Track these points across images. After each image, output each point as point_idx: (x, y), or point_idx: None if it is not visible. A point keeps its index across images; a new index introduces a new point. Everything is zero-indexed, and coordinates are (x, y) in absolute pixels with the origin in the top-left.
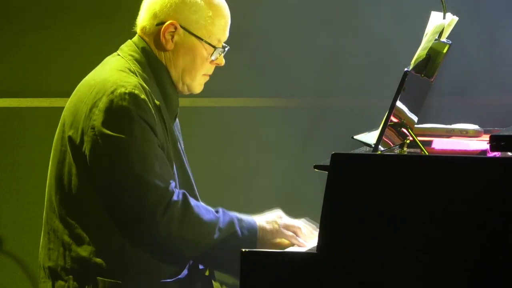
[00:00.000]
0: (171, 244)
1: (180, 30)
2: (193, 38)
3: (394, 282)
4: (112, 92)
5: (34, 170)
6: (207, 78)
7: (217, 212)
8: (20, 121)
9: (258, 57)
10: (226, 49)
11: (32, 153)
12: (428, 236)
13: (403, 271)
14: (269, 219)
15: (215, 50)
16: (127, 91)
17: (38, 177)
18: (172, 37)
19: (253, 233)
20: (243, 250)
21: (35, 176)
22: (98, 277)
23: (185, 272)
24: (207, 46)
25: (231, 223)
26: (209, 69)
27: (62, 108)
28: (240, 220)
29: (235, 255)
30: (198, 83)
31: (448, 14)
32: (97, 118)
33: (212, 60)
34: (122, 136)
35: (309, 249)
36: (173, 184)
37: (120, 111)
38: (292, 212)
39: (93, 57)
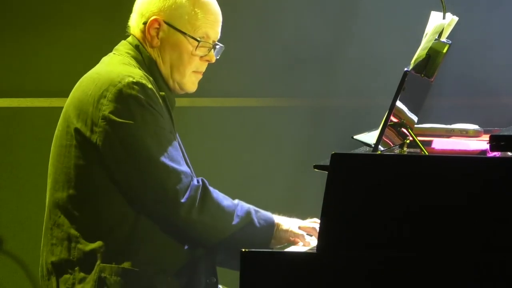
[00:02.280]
0: (190, 228)
1: (164, 26)
2: (178, 33)
3: (394, 282)
4: (120, 82)
5: (34, 170)
6: (199, 76)
7: (234, 200)
8: (20, 121)
9: (258, 57)
10: (218, 46)
11: (32, 153)
12: (428, 236)
13: (403, 270)
14: (287, 219)
15: (198, 43)
16: (134, 80)
17: (38, 177)
18: (158, 33)
19: (270, 225)
20: (243, 250)
21: (35, 176)
22: (104, 264)
23: (190, 263)
24: (191, 40)
25: (248, 212)
26: (200, 66)
27: (62, 108)
28: (257, 211)
29: (250, 244)
30: (189, 81)
31: (448, 14)
32: (107, 108)
33: (202, 57)
34: (135, 123)
35: (309, 249)
36: (187, 168)
37: (130, 99)
38: (292, 212)
39: (93, 57)
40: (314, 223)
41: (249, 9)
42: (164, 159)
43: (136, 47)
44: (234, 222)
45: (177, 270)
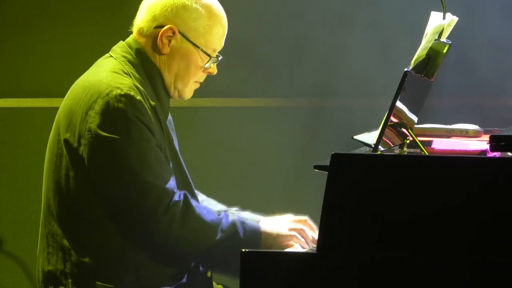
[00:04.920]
0: (172, 244)
1: (178, 36)
2: (190, 45)
3: (393, 282)
4: (108, 94)
5: (34, 170)
6: (198, 86)
7: (219, 215)
8: (20, 121)
9: (258, 57)
10: (220, 58)
11: (32, 153)
12: (428, 236)
13: (403, 271)
14: (276, 222)
15: (210, 59)
16: (122, 93)
17: (38, 177)
18: (169, 41)
19: (256, 235)
20: (243, 250)
21: (35, 176)
22: (97, 282)
23: (185, 277)
24: (202, 54)
25: (233, 225)
26: (201, 77)
27: None
28: (243, 223)
29: (236, 256)
30: (189, 90)
31: (448, 14)
32: (94, 120)
33: (205, 69)
34: (119, 137)
35: (309, 249)
36: (172, 184)
37: (116, 113)
38: (292, 213)
39: (93, 57)
40: (305, 222)
41: (249, 9)
42: (145, 175)
43: (137, 51)
44: (217, 237)
45: (171, 284)
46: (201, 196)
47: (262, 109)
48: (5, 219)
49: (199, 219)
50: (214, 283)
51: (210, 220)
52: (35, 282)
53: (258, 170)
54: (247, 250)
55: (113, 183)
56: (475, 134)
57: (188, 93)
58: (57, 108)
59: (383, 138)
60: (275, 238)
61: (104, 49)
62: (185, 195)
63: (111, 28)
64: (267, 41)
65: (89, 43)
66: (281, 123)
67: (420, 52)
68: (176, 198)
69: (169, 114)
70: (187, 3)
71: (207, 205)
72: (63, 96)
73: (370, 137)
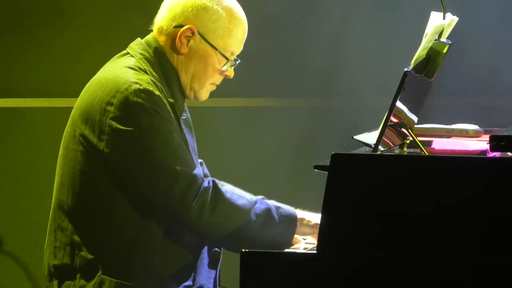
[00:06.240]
0: (203, 230)
1: (197, 36)
2: (208, 47)
3: (394, 282)
4: (126, 89)
5: (34, 170)
6: (214, 87)
7: (252, 199)
8: (20, 121)
9: (258, 57)
10: (237, 62)
11: (32, 153)
12: (428, 236)
13: (403, 271)
14: (313, 215)
15: (227, 62)
16: (141, 88)
17: (38, 177)
18: (188, 41)
19: (292, 221)
20: (243, 250)
21: (35, 176)
22: (105, 276)
23: (191, 277)
24: (220, 57)
25: (268, 209)
26: (218, 79)
27: (62, 108)
28: (278, 208)
29: (273, 241)
30: (205, 91)
31: (448, 14)
32: (114, 116)
33: (222, 71)
34: (141, 130)
35: (309, 249)
36: (200, 171)
37: (136, 107)
38: None
39: (93, 57)
40: None
41: (249, 9)
42: (171, 163)
43: (155, 50)
44: (251, 220)
45: (177, 284)
46: (226, 186)
47: (262, 109)
48: (5, 219)
49: (230, 204)
50: None
51: (241, 204)
52: (35, 281)
53: (258, 170)
54: (247, 250)
55: (140, 175)
56: (475, 134)
57: (204, 94)
58: (57, 108)
59: (383, 138)
60: (312, 228)
61: (104, 49)
62: (214, 182)
63: (112, 28)
64: (267, 41)
65: (90, 43)
66: (281, 123)
67: (420, 52)
68: (205, 184)
69: (189, 115)
70: (208, 4)
71: None
72: (63, 96)
73: (370, 137)
